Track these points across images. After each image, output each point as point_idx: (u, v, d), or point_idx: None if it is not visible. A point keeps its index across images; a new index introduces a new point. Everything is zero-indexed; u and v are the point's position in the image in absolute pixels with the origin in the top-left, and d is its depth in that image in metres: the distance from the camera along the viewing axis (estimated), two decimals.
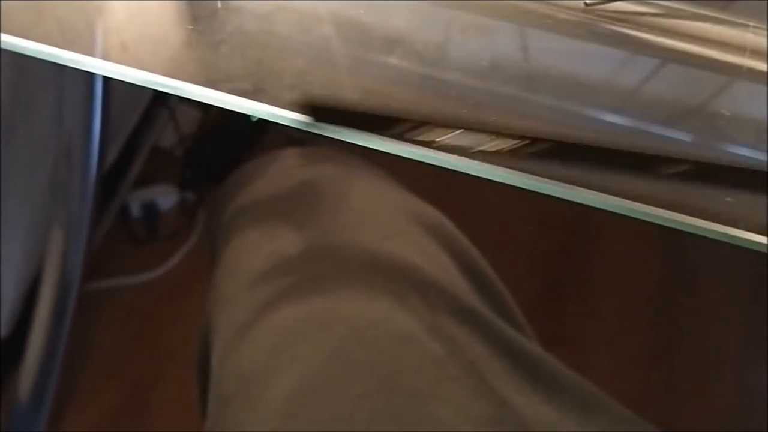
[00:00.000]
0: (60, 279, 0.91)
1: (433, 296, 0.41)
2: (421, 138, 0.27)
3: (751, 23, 0.28)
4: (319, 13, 0.31)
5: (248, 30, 0.31)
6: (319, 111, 0.27)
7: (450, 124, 0.27)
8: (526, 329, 0.47)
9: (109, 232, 1.11)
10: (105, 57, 0.29)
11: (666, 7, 0.30)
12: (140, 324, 1.05)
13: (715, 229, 0.27)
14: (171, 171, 1.17)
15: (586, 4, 0.31)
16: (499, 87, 0.29)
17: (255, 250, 0.43)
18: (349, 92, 0.29)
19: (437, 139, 0.27)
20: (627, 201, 0.27)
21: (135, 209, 1.12)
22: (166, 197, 1.14)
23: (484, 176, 0.28)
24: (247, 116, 0.29)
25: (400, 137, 0.27)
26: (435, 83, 0.29)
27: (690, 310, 1.11)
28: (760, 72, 0.31)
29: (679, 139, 0.30)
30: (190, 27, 0.30)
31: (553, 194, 0.27)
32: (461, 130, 0.27)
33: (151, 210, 1.12)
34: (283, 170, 0.48)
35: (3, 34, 0.29)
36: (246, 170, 0.50)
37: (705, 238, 0.28)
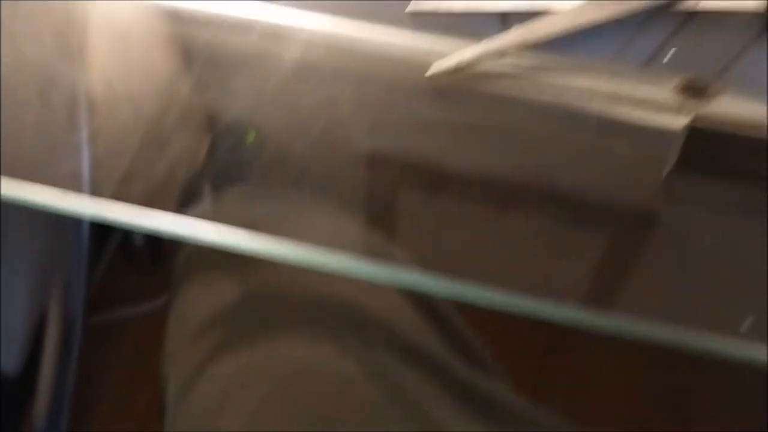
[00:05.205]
0: (64, 314, 0.93)
1: (377, 336, 0.41)
2: None
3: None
4: None
5: None
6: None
7: None
8: (486, 362, 0.46)
9: (112, 262, 1.12)
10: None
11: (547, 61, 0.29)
12: (150, 352, 1.06)
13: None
14: None
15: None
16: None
17: (199, 300, 0.43)
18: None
19: None
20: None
21: (138, 237, 1.13)
22: None
23: None
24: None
25: None
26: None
27: None
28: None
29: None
30: None
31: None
32: None
33: (154, 237, 1.13)
34: (224, 213, 0.48)
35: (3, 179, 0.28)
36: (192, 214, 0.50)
37: None
